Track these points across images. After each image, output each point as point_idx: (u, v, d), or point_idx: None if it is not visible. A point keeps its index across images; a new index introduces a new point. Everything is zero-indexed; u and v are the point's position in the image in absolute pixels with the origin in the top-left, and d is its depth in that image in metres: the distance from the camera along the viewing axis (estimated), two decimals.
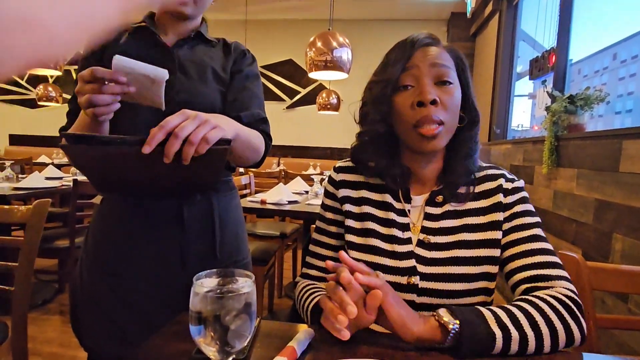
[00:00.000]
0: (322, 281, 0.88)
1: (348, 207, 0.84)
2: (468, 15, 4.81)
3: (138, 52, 0.92)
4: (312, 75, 2.89)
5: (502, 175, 0.81)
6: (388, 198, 0.82)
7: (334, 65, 2.62)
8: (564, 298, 0.66)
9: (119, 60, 0.69)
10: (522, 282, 0.72)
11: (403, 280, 0.75)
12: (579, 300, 0.67)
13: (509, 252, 0.76)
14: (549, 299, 0.66)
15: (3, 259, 1.51)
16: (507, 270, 0.76)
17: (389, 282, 0.74)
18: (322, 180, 2.81)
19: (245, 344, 0.50)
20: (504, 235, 0.77)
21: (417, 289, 0.75)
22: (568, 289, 0.69)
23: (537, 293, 0.69)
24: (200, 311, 0.46)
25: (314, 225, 1.10)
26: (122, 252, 0.90)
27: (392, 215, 0.80)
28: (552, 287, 0.70)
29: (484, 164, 0.84)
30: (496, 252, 0.76)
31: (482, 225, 0.77)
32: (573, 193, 2.11)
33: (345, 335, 0.60)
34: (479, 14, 4.78)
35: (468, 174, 0.79)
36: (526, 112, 4.42)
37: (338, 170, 0.89)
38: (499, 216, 0.77)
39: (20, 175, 3.12)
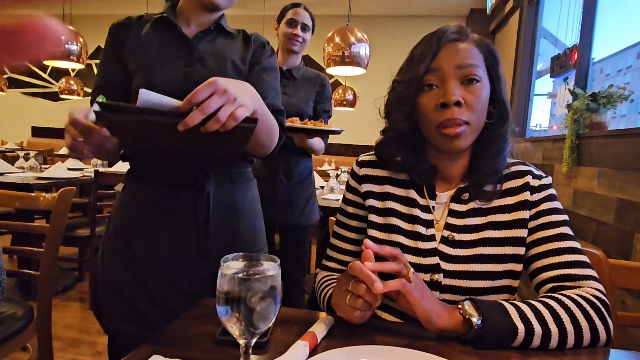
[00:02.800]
0: (341, 273, 0.89)
1: (371, 202, 0.83)
2: (488, 11, 4.74)
3: (159, 44, 0.93)
4: (330, 70, 2.89)
5: (529, 172, 0.79)
6: (412, 194, 0.81)
7: (351, 60, 2.61)
8: (591, 297, 0.65)
9: (145, 94, 0.69)
10: (548, 282, 0.71)
11: (426, 277, 0.75)
12: (607, 301, 0.66)
13: (535, 250, 0.74)
14: (575, 297, 0.65)
15: (25, 246, 1.56)
16: (533, 269, 0.74)
17: None
18: (337, 175, 2.81)
19: (270, 326, 0.51)
20: (529, 234, 0.75)
21: (441, 287, 0.74)
22: (596, 289, 0.67)
23: (564, 292, 0.67)
24: (227, 292, 0.47)
25: (332, 218, 1.11)
26: (142, 238, 0.92)
27: (416, 212, 0.79)
28: (579, 287, 0.68)
29: (511, 160, 0.81)
30: (521, 251, 0.75)
31: (508, 222, 0.76)
32: (594, 192, 2.07)
33: (362, 316, 0.63)
34: (499, 10, 4.70)
35: (495, 173, 0.77)
36: (545, 111, 4.35)
37: (361, 164, 0.87)
38: (525, 214, 0.75)
39: (43, 166, 3.21)
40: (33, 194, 1.40)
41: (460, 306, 0.64)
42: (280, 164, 1.77)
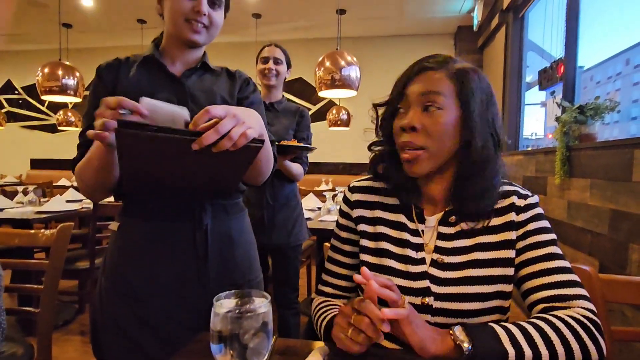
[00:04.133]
0: (337, 298, 0.90)
1: (363, 227, 0.85)
2: (475, 28, 4.85)
3: (149, 84, 0.96)
4: (322, 93, 2.95)
5: (515, 192, 0.79)
6: (402, 218, 0.83)
7: (342, 83, 2.68)
8: (581, 318, 0.66)
9: (145, 100, 0.73)
10: (539, 302, 0.72)
11: (417, 300, 0.76)
12: (597, 320, 0.67)
13: (525, 271, 0.75)
14: (566, 318, 0.66)
15: (25, 281, 1.56)
16: (523, 289, 0.75)
17: None
18: (334, 196, 2.83)
19: None
20: (518, 254, 0.76)
21: (432, 310, 0.75)
22: (586, 309, 0.68)
23: (554, 312, 0.68)
24: (220, 330, 0.49)
25: (327, 244, 1.12)
26: (143, 275, 0.93)
27: (406, 236, 0.81)
28: (569, 307, 0.69)
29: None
30: (509, 271, 0.76)
31: (495, 244, 0.77)
32: (587, 203, 2.10)
33: (361, 349, 0.63)
34: (485, 26, 4.82)
35: (481, 210, 0.78)
36: (539, 120, 4.40)
37: (352, 190, 0.90)
38: (512, 235, 0.76)
39: (42, 199, 3.22)
40: (32, 231, 1.42)
41: (451, 332, 0.65)
42: (266, 188, 1.87)
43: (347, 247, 0.89)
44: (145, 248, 0.94)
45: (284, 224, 1.90)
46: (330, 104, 5.85)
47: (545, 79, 3.15)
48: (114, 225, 0.98)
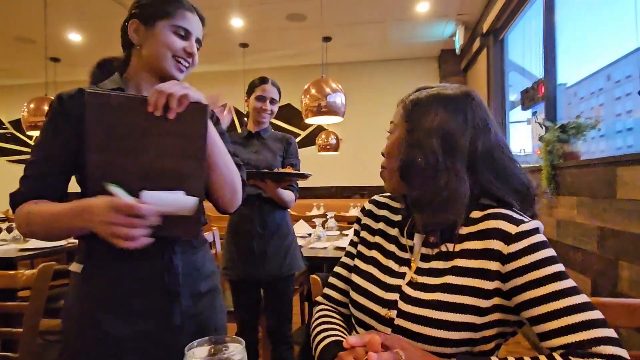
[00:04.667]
0: (340, 305, 0.91)
1: (364, 234, 0.91)
2: (457, 51, 4.97)
3: None
4: (308, 120, 2.98)
5: (506, 217, 0.71)
6: (396, 232, 0.86)
7: (328, 110, 2.71)
8: None
9: (147, 196, 0.74)
10: (555, 350, 0.63)
11: (382, 311, 0.75)
12: None
13: (529, 313, 0.66)
14: None
15: (9, 323, 1.51)
16: (536, 333, 0.67)
17: (370, 310, 0.77)
18: (324, 222, 2.81)
19: None
20: (516, 293, 0.68)
21: (392, 324, 0.73)
22: (611, 356, 0.58)
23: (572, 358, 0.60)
24: None
25: (313, 276, 1.11)
26: (116, 316, 0.90)
27: (393, 248, 0.83)
28: (592, 356, 0.59)
29: (494, 203, 0.76)
30: (483, 303, 0.69)
31: (471, 270, 0.71)
32: (575, 221, 2.10)
33: None
34: (467, 50, 4.95)
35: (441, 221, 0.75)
36: (527, 137, 4.46)
37: (371, 202, 0.96)
38: (491, 265, 0.69)
39: None
40: (11, 272, 1.38)
41: None
42: (255, 217, 1.85)
43: (355, 251, 0.92)
44: (117, 289, 0.91)
45: (277, 254, 1.86)
46: (319, 128, 5.89)
47: (528, 99, 3.21)
48: (75, 267, 0.93)
